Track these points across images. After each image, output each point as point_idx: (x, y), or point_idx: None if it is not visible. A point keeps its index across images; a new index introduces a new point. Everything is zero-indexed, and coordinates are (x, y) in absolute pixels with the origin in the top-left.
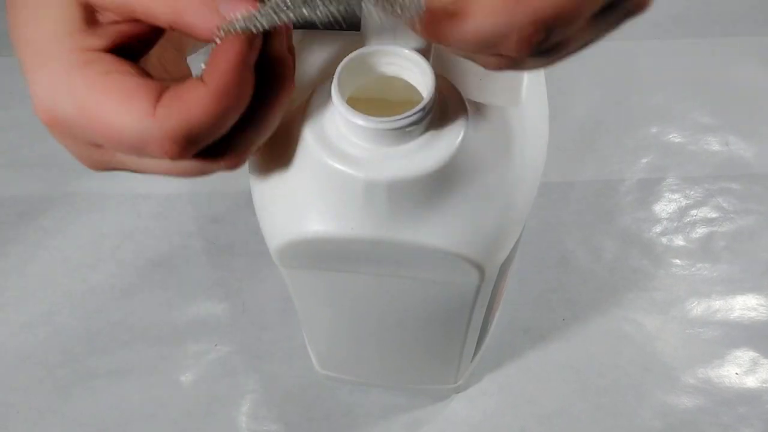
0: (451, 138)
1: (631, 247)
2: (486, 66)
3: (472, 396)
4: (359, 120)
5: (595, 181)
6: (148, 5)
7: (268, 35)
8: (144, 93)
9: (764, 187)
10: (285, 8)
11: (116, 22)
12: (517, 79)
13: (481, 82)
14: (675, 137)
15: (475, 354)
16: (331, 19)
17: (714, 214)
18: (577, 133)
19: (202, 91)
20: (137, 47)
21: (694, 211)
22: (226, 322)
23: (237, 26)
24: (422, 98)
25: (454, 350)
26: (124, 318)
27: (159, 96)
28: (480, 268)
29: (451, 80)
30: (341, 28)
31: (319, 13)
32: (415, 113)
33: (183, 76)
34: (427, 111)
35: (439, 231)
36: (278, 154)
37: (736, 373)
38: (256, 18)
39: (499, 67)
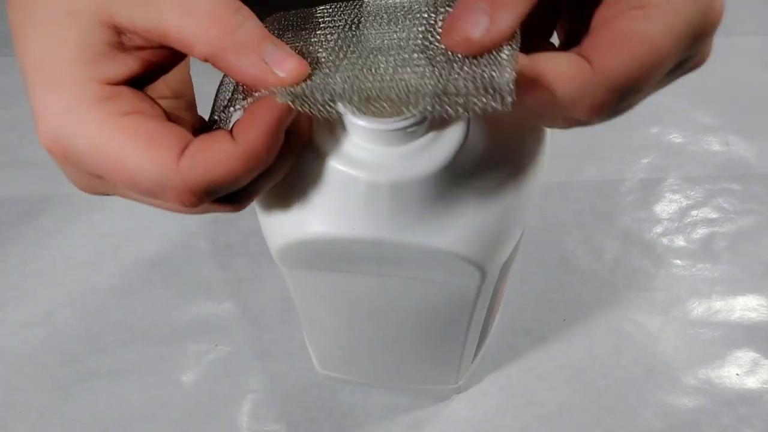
0: (452, 139)
1: (632, 247)
2: (551, 126)
3: (473, 396)
4: (361, 121)
5: (595, 181)
6: (186, 35)
7: None
8: (168, 142)
9: (765, 187)
10: (328, 106)
11: (141, 48)
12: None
13: None
14: (676, 137)
15: (476, 354)
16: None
17: (715, 215)
18: (578, 133)
19: (232, 151)
20: (155, 73)
21: (694, 212)
22: (226, 322)
23: (280, 98)
24: None
25: (454, 350)
26: (125, 318)
27: (184, 145)
28: (481, 269)
29: None
30: None
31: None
32: (416, 114)
33: (187, 96)
34: None
35: (440, 232)
36: None
37: (737, 374)
38: (302, 99)
39: (565, 127)
